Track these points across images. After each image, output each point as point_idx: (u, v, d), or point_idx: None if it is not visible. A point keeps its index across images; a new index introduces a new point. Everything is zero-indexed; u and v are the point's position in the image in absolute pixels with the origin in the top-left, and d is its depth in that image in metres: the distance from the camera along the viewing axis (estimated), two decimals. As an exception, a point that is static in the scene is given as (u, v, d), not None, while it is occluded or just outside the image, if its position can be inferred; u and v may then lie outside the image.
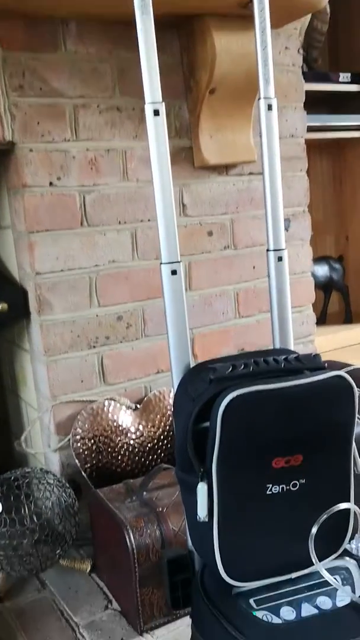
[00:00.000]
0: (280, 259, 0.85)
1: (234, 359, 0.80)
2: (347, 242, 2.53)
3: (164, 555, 0.86)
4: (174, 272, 0.79)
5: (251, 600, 0.78)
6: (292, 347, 0.89)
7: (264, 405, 0.74)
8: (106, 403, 1.47)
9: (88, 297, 1.42)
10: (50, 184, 1.35)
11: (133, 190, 1.45)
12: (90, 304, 1.43)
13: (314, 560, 0.78)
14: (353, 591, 0.80)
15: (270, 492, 0.78)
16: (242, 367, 0.77)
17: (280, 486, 0.78)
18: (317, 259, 2.28)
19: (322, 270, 2.46)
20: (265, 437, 0.75)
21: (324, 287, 2.40)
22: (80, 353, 1.43)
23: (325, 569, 0.81)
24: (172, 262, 0.78)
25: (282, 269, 0.85)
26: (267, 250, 0.86)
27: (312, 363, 0.80)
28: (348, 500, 0.82)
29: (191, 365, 0.82)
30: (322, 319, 2.38)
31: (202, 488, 0.76)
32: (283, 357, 0.80)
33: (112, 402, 1.48)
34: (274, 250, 0.86)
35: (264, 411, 0.74)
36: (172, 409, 0.82)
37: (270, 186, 0.83)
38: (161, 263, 0.79)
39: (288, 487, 0.78)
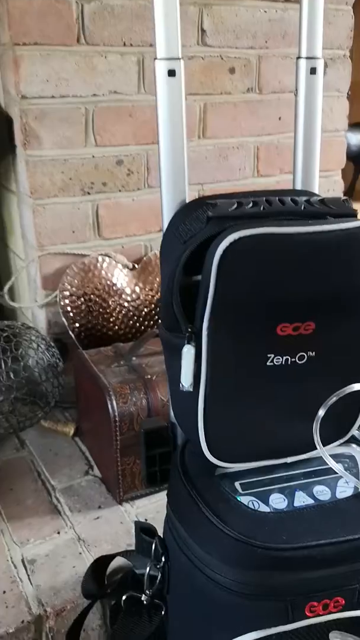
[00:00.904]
0: (313, 70, 0.65)
1: (242, 196, 0.63)
2: (388, 107, 2.24)
3: (142, 426, 0.74)
4: (171, 73, 0.59)
5: (236, 484, 0.67)
6: (316, 190, 0.72)
7: (274, 254, 0.57)
8: (100, 259, 1.32)
9: (83, 133, 1.22)
10: (42, -16, 1.11)
11: (143, 4, 1.21)
12: (85, 141, 1.23)
13: (318, 446, 0.65)
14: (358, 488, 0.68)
15: (272, 364, 0.63)
16: (251, 205, 0.60)
17: (284, 358, 0.64)
18: (351, 126, 2.02)
19: (356, 138, 2.21)
20: (271, 296, 0.59)
21: (355, 158, 2.16)
22: (73, 199, 1.25)
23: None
24: (170, 59, 0.59)
25: (315, 84, 0.66)
26: (298, 57, 0.66)
27: (340, 208, 0.62)
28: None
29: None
30: (349, 194, 2.16)
31: (188, 352, 0.61)
32: (304, 198, 0.63)
33: (107, 258, 1.33)
34: (307, 58, 0.65)
35: (272, 262, 0.58)
36: (159, 254, 0.66)
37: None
38: (155, 59, 0.60)
39: (293, 360, 0.64)
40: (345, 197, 0.64)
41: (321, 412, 0.65)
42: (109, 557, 0.92)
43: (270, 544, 0.59)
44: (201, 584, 0.63)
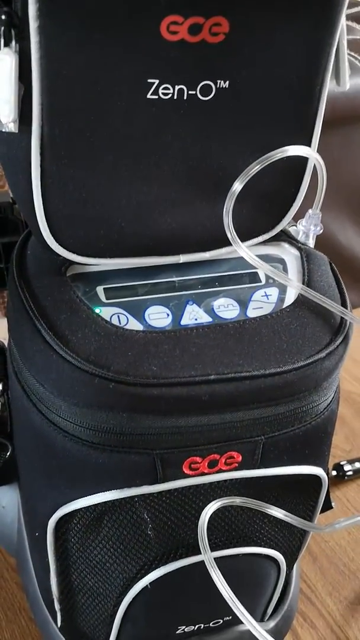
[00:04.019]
0: None
1: None
2: None
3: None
4: None
5: (99, 290, 0.45)
6: None
7: None
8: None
9: None
10: None
11: None
12: None
13: (230, 236, 0.43)
14: (282, 295, 0.47)
15: (155, 97, 0.38)
16: None
17: (177, 88, 0.38)
18: None
19: None
20: None
21: None
22: None
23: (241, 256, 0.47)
24: None
25: None
26: None
27: None
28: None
29: None
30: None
31: (5, 58, 0.36)
32: None
33: None
34: None
35: None
36: None
37: None
38: None
39: (192, 93, 0.39)
40: None
41: (237, 187, 0.41)
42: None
43: (131, 377, 0.39)
44: (39, 425, 0.43)
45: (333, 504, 0.70)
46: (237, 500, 0.44)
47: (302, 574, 0.73)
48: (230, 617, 0.54)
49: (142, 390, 0.39)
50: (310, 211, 0.48)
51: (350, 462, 0.83)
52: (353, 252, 1.10)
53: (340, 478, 0.82)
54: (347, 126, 0.87)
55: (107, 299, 0.44)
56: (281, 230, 0.49)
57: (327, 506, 0.68)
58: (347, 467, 0.82)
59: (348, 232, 1.09)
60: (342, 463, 0.82)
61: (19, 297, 0.43)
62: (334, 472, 0.82)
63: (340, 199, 1.03)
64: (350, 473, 0.82)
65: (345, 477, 0.82)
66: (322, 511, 0.62)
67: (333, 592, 0.72)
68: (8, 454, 0.53)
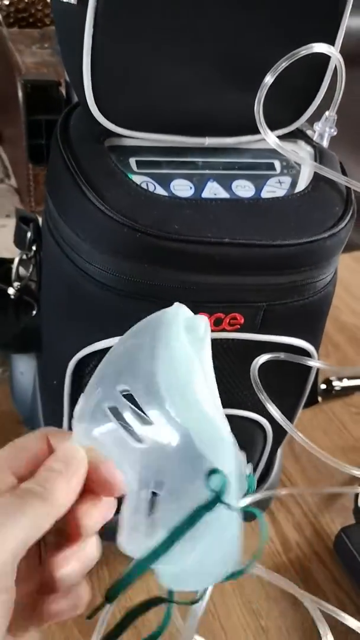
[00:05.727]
0: None
1: None
2: None
3: (23, 77, 0.55)
4: None
5: (131, 160, 0.50)
6: None
7: None
8: None
9: None
10: None
11: None
12: None
13: (260, 124, 0.47)
14: (294, 184, 0.52)
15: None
16: None
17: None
18: None
19: None
20: None
21: None
22: None
23: (260, 148, 0.53)
24: None
25: None
26: None
27: None
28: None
29: None
30: None
31: None
32: None
33: None
34: None
35: None
36: None
37: None
38: None
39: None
40: None
41: (268, 80, 0.46)
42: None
43: (155, 231, 0.44)
44: (69, 274, 0.49)
45: (319, 399, 0.77)
46: (282, 355, 0.51)
47: (284, 469, 0.81)
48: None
49: (165, 244, 0.44)
50: (327, 113, 0.53)
51: (340, 379, 0.89)
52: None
53: (328, 393, 0.89)
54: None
55: (138, 168, 0.49)
56: (297, 129, 0.54)
57: (313, 399, 0.74)
58: (335, 383, 0.88)
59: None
60: (331, 378, 0.89)
61: (62, 158, 0.48)
62: (324, 386, 0.88)
63: (355, 139, 1.06)
64: (338, 389, 0.88)
65: (333, 392, 0.88)
66: (308, 404, 0.68)
67: (310, 486, 0.79)
68: (34, 312, 0.59)
